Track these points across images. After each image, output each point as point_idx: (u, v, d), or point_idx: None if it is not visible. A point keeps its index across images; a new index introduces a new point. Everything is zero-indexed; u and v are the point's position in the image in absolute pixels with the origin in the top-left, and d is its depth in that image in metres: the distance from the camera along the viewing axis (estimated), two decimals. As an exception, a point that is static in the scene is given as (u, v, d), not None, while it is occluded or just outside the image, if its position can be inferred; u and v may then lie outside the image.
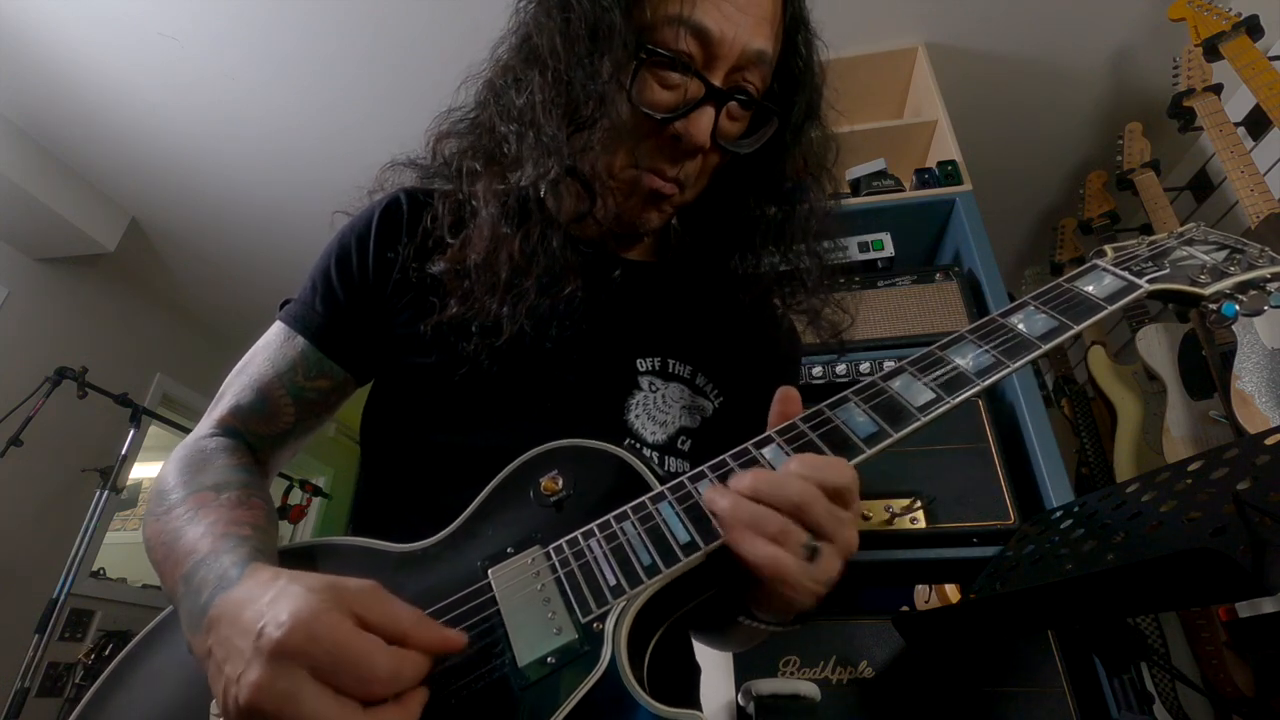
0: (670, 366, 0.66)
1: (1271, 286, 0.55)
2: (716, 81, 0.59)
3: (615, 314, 0.67)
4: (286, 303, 0.68)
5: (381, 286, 0.65)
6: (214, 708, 0.42)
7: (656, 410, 0.63)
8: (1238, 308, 0.55)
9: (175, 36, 2.04)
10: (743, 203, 0.71)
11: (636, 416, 0.62)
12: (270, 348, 0.65)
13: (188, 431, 0.63)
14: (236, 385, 0.64)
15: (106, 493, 2.24)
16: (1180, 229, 0.64)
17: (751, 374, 0.70)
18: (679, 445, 0.63)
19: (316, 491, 3.24)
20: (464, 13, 1.94)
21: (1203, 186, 2.05)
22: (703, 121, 0.59)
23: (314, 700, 0.34)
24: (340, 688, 0.35)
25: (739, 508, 0.44)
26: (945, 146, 1.79)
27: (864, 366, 1.28)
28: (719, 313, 0.72)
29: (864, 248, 1.52)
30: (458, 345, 0.60)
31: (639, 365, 0.65)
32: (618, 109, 0.59)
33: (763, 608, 0.49)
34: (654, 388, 0.64)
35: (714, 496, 0.46)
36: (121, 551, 3.52)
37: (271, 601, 0.37)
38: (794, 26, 0.65)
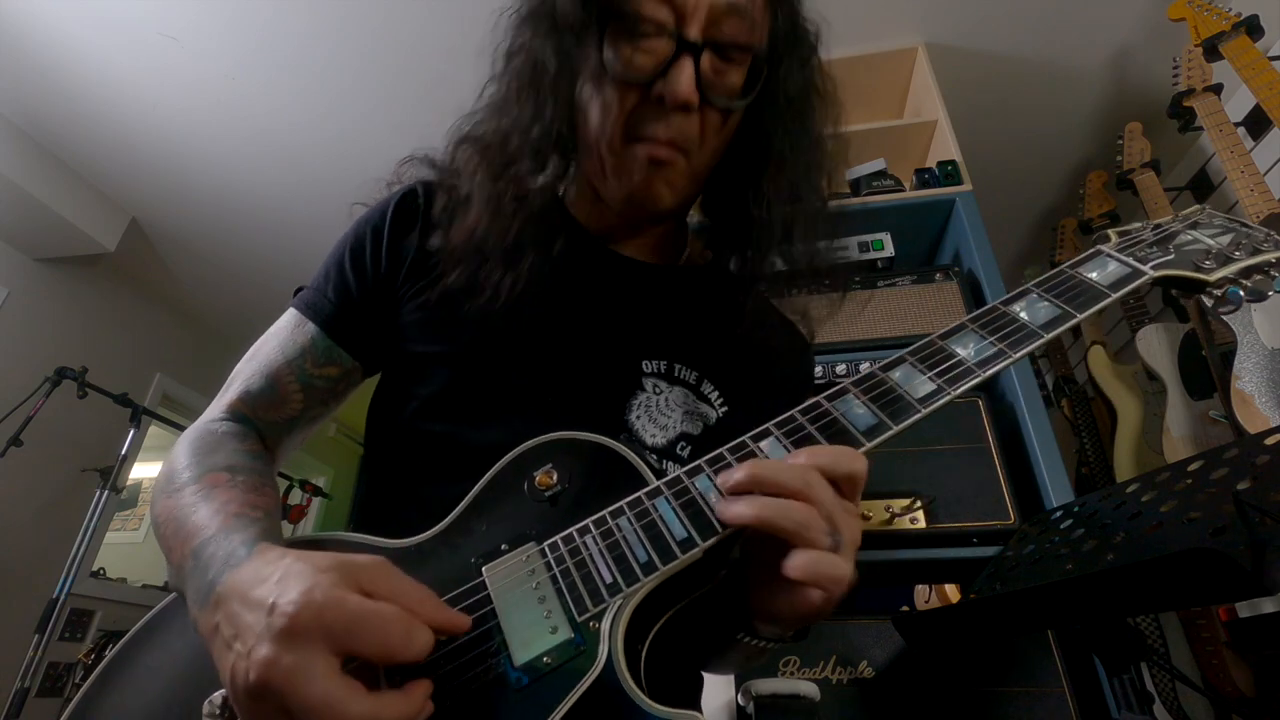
0: (676, 370, 0.65)
1: (1276, 271, 0.55)
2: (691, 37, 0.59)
3: (624, 313, 0.67)
4: (301, 290, 0.69)
5: (393, 277, 0.66)
6: (206, 706, 0.42)
7: (658, 413, 0.63)
8: (1242, 292, 0.55)
9: (175, 37, 2.04)
10: (748, 189, 0.70)
11: (637, 418, 0.62)
12: (281, 334, 0.66)
13: (187, 432, 0.63)
14: (247, 371, 0.65)
15: (106, 493, 2.25)
16: (1186, 211, 0.63)
17: (760, 386, 0.69)
18: (678, 450, 0.62)
19: (316, 491, 3.23)
20: (464, 13, 1.94)
21: (1203, 186, 2.04)
22: (682, 77, 0.58)
23: (324, 679, 0.34)
24: (356, 651, 0.35)
25: (766, 502, 0.43)
26: (945, 146, 1.79)
27: (863, 366, 1.28)
28: (731, 321, 0.71)
29: (864, 248, 1.51)
30: (453, 322, 0.62)
31: (644, 366, 0.64)
32: (600, 87, 0.61)
33: (769, 615, 0.49)
34: (658, 390, 0.64)
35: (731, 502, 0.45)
36: (121, 551, 3.53)
37: (281, 580, 0.37)
38: None
